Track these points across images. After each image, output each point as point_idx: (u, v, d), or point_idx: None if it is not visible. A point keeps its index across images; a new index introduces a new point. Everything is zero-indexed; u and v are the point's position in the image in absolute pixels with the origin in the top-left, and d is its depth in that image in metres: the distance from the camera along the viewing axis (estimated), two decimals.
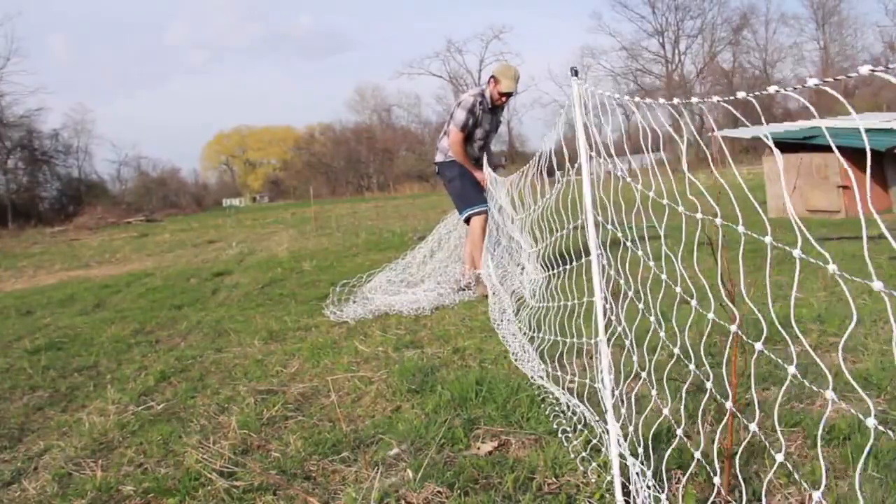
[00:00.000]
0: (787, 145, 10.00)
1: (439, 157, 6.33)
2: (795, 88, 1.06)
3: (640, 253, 1.97)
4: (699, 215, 1.58)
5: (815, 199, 9.42)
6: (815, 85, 0.96)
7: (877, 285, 0.94)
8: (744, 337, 1.45)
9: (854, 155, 9.07)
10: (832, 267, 0.98)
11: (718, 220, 1.46)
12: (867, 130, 9.21)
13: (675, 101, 1.49)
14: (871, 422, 0.97)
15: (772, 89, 1.11)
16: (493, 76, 6.07)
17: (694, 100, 1.48)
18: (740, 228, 1.45)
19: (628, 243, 2.00)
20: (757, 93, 1.17)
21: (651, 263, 1.94)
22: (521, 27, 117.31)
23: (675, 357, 1.87)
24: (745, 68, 56.12)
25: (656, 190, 1.76)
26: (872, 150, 8.67)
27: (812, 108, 1.24)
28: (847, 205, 9.12)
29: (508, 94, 6.00)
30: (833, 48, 53.85)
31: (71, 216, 39.47)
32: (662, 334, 1.94)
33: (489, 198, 5.97)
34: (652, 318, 1.98)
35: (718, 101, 1.40)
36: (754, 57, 56.67)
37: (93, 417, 3.39)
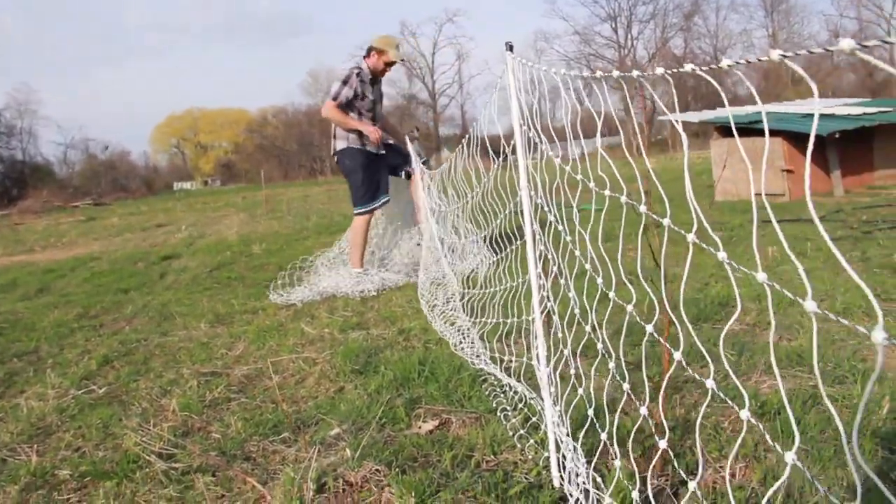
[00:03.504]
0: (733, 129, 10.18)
1: (341, 145, 6.02)
2: (750, 62, 1.05)
3: (561, 229, 1.99)
4: (624, 198, 1.61)
5: (759, 182, 9.61)
6: (781, 57, 0.95)
7: (760, 276, 0.97)
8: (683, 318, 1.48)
9: (797, 139, 9.28)
10: (721, 255, 1.00)
11: (667, 221, 1.49)
12: (810, 115, 9.45)
13: (598, 73, 1.47)
14: (744, 414, 1.00)
15: (724, 63, 1.09)
16: (375, 48, 6.00)
17: (635, 73, 1.40)
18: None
19: (552, 218, 2.01)
20: (708, 67, 1.14)
21: (575, 250, 1.96)
22: (475, 10, 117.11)
23: (611, 336, 1.90)
24: (696, 54, 56.84)
25: (583, 172, 1.77)
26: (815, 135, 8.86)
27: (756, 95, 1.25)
28: (791, 188, 9.32)
29: (393, 63, 6.04)
30: (781, 35, 54.88)
31: (15, 200, 38.44)
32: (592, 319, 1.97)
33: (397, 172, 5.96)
34: (572, 295, 2.00)
35: (664, 72, 1.34)
36: (705, 43, 57.53)
37: (31, 402, 3.32)
